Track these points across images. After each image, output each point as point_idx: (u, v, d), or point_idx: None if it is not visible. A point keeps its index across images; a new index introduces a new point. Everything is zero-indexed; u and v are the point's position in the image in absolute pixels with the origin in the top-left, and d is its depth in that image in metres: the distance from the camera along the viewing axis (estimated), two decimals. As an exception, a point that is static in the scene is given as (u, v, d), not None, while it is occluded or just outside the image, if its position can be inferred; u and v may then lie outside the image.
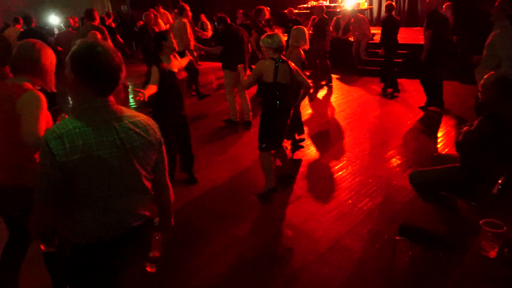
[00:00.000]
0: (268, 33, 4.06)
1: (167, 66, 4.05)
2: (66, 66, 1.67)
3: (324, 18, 8.76)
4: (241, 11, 10.39)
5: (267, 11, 8.88)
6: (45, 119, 2.36)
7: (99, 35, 5.09)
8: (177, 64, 4.19)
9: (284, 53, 4.04)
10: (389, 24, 7.73)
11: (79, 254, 1.80)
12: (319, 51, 8.76)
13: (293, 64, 4.02)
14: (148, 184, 1.87)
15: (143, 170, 1.81)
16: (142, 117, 1.83)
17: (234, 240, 3.57)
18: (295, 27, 5.16)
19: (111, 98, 1.73)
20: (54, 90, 2.66)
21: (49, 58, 2.55)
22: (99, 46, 1.65)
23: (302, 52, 4.94)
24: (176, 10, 8.83)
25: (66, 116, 2.54)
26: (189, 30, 7.46)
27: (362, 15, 10.21)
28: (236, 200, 4.28)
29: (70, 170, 1.60)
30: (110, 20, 10.31)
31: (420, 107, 6.96)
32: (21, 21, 8.59)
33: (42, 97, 2.40)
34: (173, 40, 4.11)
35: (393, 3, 8.17)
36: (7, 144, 2.42)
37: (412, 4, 13.00)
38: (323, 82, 9.02)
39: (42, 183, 1.64)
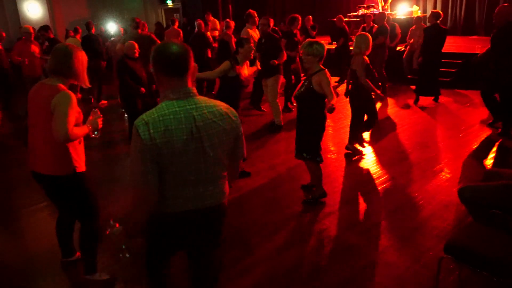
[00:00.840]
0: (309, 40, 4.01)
1: (238, 69, 4.32)
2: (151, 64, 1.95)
3: (384, 26, 8.48)
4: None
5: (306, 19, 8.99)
6: (74, 116, 2.69)
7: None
8: (244, 72, 4.48)
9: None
10: (433, 33, 7.38)
11: (154, 222, 2.03)
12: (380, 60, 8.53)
13: None
14: (221, 170, 2.04)
15: (217, 159, 1.97)
16: (222, 106, 1.99)
17: (272, 250, 3.53)
18: (358, 33, 5.28)
19: (191, 86, 1.93)
20: (89, 85, 3.00)
21: (80, 59, 2.83)
22: (167, 42, 1.93)
23: (366, 58, 5.02)
24: (227, 20, 9.07)
25: (98, 111, 2.91)
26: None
27: (423, 23, 9.85)
28: (275, 209, 4.24)
29: (155, 153, 1.81)
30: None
31: (489, 124, 6.42)
32: (80, 31, 9.18)
33: (73, 97, 2.71)
34: (252, 49, 4.42)
35: (440, 12, 7.84)
36: (46, 138, 2.73)
37: (468, 12, 12.45)
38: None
39: (138, 165, 1.84)
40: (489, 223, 2.98)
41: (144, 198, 1.90)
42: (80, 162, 2.92)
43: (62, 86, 2.76)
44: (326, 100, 3.89)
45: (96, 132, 2.96)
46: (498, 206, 3.05)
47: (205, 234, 2.13)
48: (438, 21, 7.51)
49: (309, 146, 4.09)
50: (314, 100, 3.94)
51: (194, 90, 1.94)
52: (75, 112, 2.72)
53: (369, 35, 5.11)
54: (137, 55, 5.77)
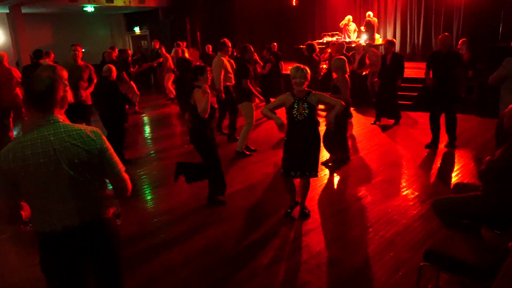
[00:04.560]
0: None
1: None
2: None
3: (344, 55, 8.95)
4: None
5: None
6: None
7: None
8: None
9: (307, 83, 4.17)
10: (391, 59, 7.97)
11: (38, 240, 2.18)
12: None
13: None
14: (90, 187, 2.17)
15: (79, 176, 2.10)
16: (81, 129, 2.14)
17: (259, 267, 3.59)
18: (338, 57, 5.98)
19: (57, 114, 2.11)
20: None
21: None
22: (36, 72, 2.17)
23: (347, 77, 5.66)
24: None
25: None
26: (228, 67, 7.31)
27: (376, 50, 10.43)
28: (258, 228, 4.32)
29: (10, 175, 2.02)
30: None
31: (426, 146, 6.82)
32: (52, 55, 9.17)
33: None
34: (209, 75, 4.53)
35: (394, 40, 8.62)
36: None
37: (425, 40, 13.25)
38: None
39: None
40: (462, 231, 3.18)
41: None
42: None
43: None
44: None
45: None
46: (468, 215, 3.27)
47: (96, 248, 2.23)
48: (393, 49, 8.08)
49: (316, 162, 4.33)
50: (316, 118, 4.23)
51: (59, 117, 2.12)
52: None
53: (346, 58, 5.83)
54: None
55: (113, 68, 6.24)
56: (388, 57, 8.02)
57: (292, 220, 4.39)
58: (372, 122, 8.48)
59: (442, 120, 6.57)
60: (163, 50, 11.58)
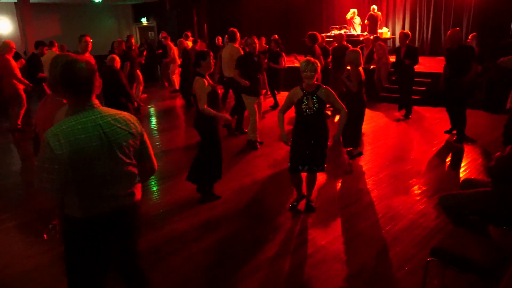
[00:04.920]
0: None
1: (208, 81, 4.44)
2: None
3: (344, 46, 8.89)
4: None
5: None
6: None
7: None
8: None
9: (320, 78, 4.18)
10: (407, 52, 7.93)
11: (70, 227, 2.16)
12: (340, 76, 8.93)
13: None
14: (133, 170, 2.23)
15: (126, 158, 2.17)
16: (124, 114, 2.21)
17: (263, 262, 3.57)
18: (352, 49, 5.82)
19: (95, 100, 2.13)
20: None
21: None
22: (73, 61, 2.05)
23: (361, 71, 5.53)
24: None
25: None
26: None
27: (383, 43, 10.33)
28: (262, 222, 4.31)
29: (66, 161, 1.97)
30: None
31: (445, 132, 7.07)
32: (56, 45, 9.18)
33: None
34: (212, 61, 4.47)
35: (409, 32, 8.46)
36: None
37: (435, 34, 13.10)
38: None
39: (45, 173, 1.98)
40: (469, 228, 3.15)
41: (47, 204, 2.06)
42: None
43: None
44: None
45: None
46: (476, 212, 3.23)
47: (123, 234, 2.29)
48: (407, 41, 7.98)
49: (324, 157, 4.31)
50: (325, 112, 4.21)
51: (96, 102, 2.13)
52: None
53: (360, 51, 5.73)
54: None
55: (117, 58, 6.32)
56: (402, 49, 7.95)
57: (297, 214, 4.38)
58: (402, 120, 8.26)
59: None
60: (168, 40, 11.53)
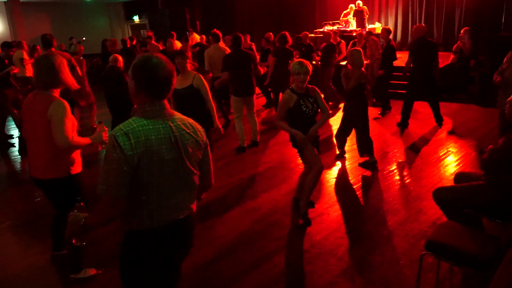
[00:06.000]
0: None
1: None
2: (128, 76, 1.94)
3: (331, 44, 8.99)
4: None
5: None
6: (70, 122, 2.91)
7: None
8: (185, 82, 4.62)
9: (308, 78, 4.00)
10: (388, 48, 8.02)
11: (131, 238, 1.98)
12: (327, 75, 9.05)
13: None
14: (196, 180, 2.07)
15: (192, 167, 2.01)
16: (190, 120, 2.05)
17: (260, 257, 3.58)
18: (353, 48, 5.68)
19: (166, 102, 1.96)
20: (78, 86, 3.27)
21: (64, 65, 3.05)
22: (155, 58, 1.89)
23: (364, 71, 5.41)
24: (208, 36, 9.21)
25: (103, 125, 3.07)
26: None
27: (376, 38, 10.34)
28: (258, 218, 4.31)
29: (135, 163, 1.80)
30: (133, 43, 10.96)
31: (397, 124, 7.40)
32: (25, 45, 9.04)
33: (66, 104, 2.93)
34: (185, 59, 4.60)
35: (390, 28, 8.67)
36: (45, 144, 2.95)
37: (428, 29, 13.11)
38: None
39: (112, 176, 1.79)
40: (463, 221, 3.17)
41: (111, 209, 1.86)
42: (75, 164, 3.14)
43: (55, 94, 2.96)
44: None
45: (104, 145, 3.14)
46: (469, 205, 3.26)
47: (182, 246, 2.12)
48: (390, 37, 8.05)
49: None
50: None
51: (168, 105, 1.98)
52: (71, 119, 2.92)
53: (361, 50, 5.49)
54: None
55: (119, 58, 6.28)
56: (383, 45, 8.10)
57: (293, 210, 4.38)
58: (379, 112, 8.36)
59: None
60: (152, 40, 11.34)
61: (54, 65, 2.94)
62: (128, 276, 2.04)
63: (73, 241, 2.06)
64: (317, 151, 4.13)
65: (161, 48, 11.00)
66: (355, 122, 5.50)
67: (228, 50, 7.26)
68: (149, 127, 1.85)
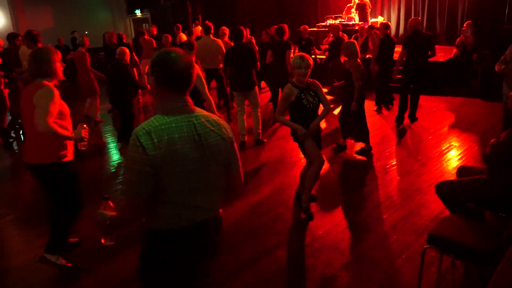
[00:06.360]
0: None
1: None
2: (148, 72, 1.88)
3: (339, 37, 8.90)
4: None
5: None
6: (56, 109, 2.95)
7: None
8: None
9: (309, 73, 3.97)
10: (387, 43, 7.84)
11: (151, 238, 1.94)
12: (336, 68, 8.93)
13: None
14: (223, 180, 2.00)
15: (218, 166, 1.93)
16: (215, 117, 1.97)
17: (261, 252, 3.58)
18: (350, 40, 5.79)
19: (189, 98, 1.89)
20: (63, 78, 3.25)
21: (58, 59, 3.15)
22: (173, 52, 1.83)
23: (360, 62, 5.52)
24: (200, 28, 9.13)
25: (85, 124, 3.07)
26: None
27: (378, 32, 10.29)
28: (259, 212, 4.32)
29: (158, 163, 1.74)
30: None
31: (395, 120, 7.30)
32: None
33: (55, 92, 2.98)
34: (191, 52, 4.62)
35: (389, 23, 8.53)
36: (32, 130, 2.99)
37: (430, 23, 13.05)
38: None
39: (133, 175, 1.75)
40: (465, 215, 3.17)
41: (132, 209, 1.82)
42: (66, 151, 3.18)
43: (46, 82, 3.03)
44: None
45: (84, 143, 3.15)
46: (472, 199, 3.25)
47: (206, 249, 2.06)
48: (388, 31, 7.95)
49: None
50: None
51: (190, 100, 1.91)
52: (57, 107, 2.96)
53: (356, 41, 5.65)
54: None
55: (127, 51, 6.25)
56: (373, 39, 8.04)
57: (294, 204, 4.38)
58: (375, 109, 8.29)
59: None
60: (145, 35, 11.24)
61: (51, 57, 3.06)
62: (146, 276, 2.01)
63: (102, 241, 2.02)
64: (319, 146, 4.13)
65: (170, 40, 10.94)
66: (362, 110, 5.65)
67: (219, 42, 7.26)
68: (171, 125, 1.79)
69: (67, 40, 15.18)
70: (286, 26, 7.49)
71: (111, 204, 2.00)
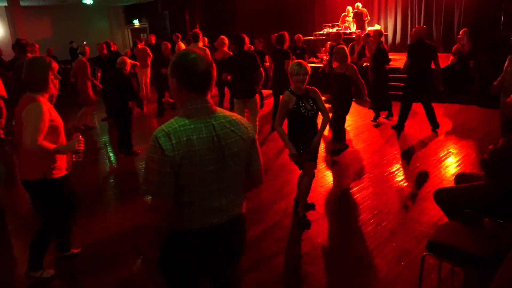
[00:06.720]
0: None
1: None
2: (168, 74, 1.90)
3: (340, 44, 8.93)
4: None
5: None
6: (45, 126, 2.84)
7: None
8: None
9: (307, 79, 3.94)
10: (379, 51, 7.82)
11: (170, 239, 1.95)
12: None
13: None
14: (241, 180, 2.00)
15: (237, 167, 1.94)
16: (236, 116, 1.98)
17: (261, 258, 3.58)
18: (340, 46, 6.00)
19: (209, 99, 1.90)
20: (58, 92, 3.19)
21: (54, 69, 3.04)
22: (192, 53, 1.85)
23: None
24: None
25: (79, 135, 3.00)
26: None
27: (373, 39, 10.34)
28: (258, 219, 4.31)
29: (176, 164, 1.76)
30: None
31: (392, 126, 7.38)
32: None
33: (44, 108, 2.86)
34: None
35: (382, 30, 8.72)
36: (21, 146, 2.93)
37: (427, 30, 13.14)
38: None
39: (154, 175, 1.77)
40: (464, 221, 3.17)
41: (162, 210, 1.85)
42: (55, 167, 3.07)
43: (38, 96, 2.92)
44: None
45: (78, 154, 3.05)
46: (470, 205, 3.26)
47: (229, 250, 2.05)
48: (382, 39, 7.99)
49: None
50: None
51: (211, 101, 1.92)
52: (45, 123, 2.85)
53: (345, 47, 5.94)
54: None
55: (128, 61, 6.30)
56: (373, 48, 8.04)
57: (294, 212, 4.37)
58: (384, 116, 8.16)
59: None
60: (140, 43, 11.38)
61: (43, 68, 2.94)
62: (166, 276, 2.03)
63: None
64: (315, 157, 4.08)
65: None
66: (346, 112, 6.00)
67: (207, 51, 7.22)
68: (190, 126, 1.81)
69: (65, 50, 15.26)
70: (286, 34, 7.48)
71: None
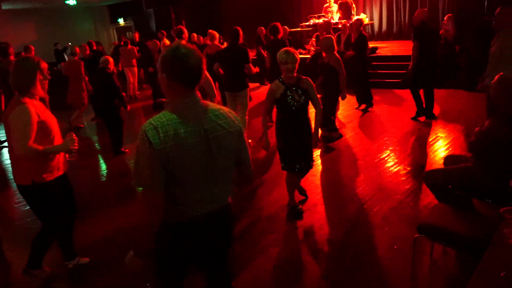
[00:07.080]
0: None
1: None
2: (157, 69, 1.91)
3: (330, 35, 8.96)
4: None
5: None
6: (31, 130, 2.74)
7: None
8: None
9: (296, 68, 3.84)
10: (359, 40, 7.74)
11: (162, 229, 1.99)
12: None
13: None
14: (231, 173, 2.05)
15: (225, 160, 1.98)
16: (224, 110, 2.01)
17: (256, 250, 3.61)
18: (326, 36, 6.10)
19: (198, 93, 1.93)
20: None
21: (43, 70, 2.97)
22: (183, 48, 1.85)
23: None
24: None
25: (73, 135, 2.93)
26: None
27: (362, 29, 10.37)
28: (254, 212, 4.34)
29: (165, 157, 1.80)
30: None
31: (412, 118, 7.09)
32: (33, 49, 8.92)
33: (31, 110, 2.77)
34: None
35: (363, 19, 8.65)
36: (11, 151, 2.90)
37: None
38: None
39: (144, 168, 1.81)
40: (454, 203, 3.22)
41: (154, 202, 1.86)
42: (49, 170, 2.98)
43: (26, 98, 2.83)
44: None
45: (72, 154, 3.00)
46: (460, 187, 3.31)
47: (218, 238, 2.11)
48: (361, 28, 7.88)
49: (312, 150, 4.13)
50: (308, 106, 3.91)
51: (199, 95, 1.94)
52: (34, 127, 2.76)
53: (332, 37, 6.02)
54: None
55: (111, 60, 6.27)
56: (353, 37, 7.93)
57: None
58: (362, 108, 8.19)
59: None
60: (128, 44, 11.35)
61: (30, 69, 2.86)
62: (158, 266, 2.07)
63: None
64: (309, 148, 4.03)
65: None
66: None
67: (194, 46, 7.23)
68: (178, 120, 1.83)
69: (50, 52, 15.09)
70: (279, 25, 7.48)
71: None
